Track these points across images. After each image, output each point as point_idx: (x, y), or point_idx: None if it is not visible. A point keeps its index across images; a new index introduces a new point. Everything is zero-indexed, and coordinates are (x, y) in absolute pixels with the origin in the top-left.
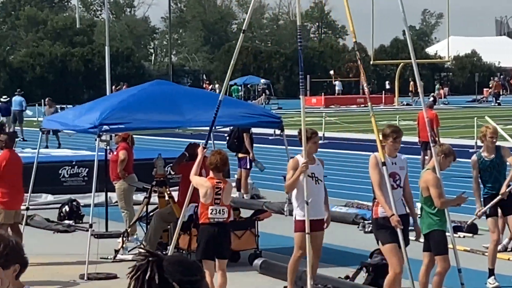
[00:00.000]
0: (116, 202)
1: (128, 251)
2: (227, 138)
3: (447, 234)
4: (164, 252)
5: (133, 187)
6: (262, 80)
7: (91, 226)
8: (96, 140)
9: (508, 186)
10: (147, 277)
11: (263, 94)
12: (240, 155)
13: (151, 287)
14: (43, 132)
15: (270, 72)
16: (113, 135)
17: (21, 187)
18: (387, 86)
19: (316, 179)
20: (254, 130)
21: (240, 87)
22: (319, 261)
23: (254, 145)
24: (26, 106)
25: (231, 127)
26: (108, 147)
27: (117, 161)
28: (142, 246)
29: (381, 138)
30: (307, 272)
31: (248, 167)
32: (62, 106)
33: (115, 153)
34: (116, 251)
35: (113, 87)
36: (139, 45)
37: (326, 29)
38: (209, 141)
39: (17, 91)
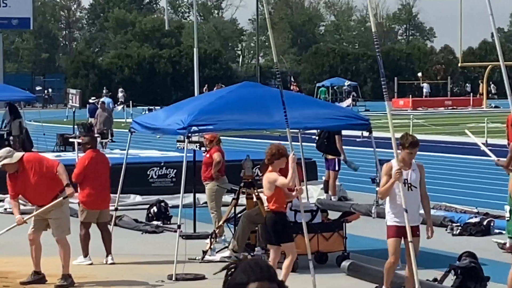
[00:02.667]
0: (204, 203)
1: (216, 252)
2: (317, 138)
3: None
4: (252, 254)
5: (224, 189)
6: (347, 82)
7: (179, 227)
8: (184, 141)
9: None
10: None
11: (351, 96)
12: (329, 156)
13: None
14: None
15: (357, 74)
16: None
17: (107, 187)
18: (468, 89)
19: (409, 185)
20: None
21: (327, 89)
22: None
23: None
24: (113, 108)
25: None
26: (200, 148)
27: (209, 163)
28: (231, 249)
29: None
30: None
31: (336, 169)
32: (150, 107)
33: (206, 155)
34: (204, 252)
35: (204, 88)
36: (227, 47)
37: (413, 31)
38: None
39: (104, 92)
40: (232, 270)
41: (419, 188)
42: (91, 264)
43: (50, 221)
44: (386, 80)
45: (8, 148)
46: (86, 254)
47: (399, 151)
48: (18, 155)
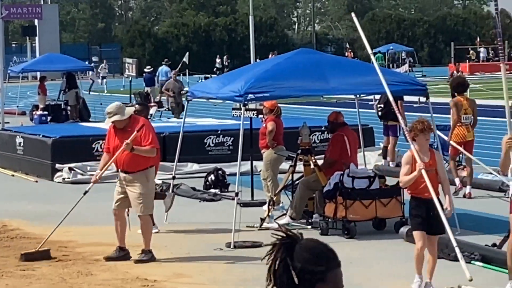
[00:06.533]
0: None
1: (274, 220)
2: (381, 106)
3: None
4: (310, 221)
5: (282, 157)
6: (391, 47)
7: (237, 194)
8: (240, 109)
9: None
10: (273, 259)
11: (407, 62)
12: (390, 122)
13: (275, 269)
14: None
15: (413, 39)
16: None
17: (158, 157)
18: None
19: None
20: None
21: (383, 55)
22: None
23: None
24: (171, 76)
25: (379, 96)
26: (257, 116)
27: (264, 132)
28: (283, 224)
29: None
30: None
31: (398, 134)
32: (207, 75)
33: (263, 124)
34: (262, 220)
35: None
36: (282, 14)
37: None
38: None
39: (164, 61)
40: (286, 251)
41: None
42: (157, 232)
43: (133, 196)
44: (501, 40)
45: (118, 103)
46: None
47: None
48: (129, 111)
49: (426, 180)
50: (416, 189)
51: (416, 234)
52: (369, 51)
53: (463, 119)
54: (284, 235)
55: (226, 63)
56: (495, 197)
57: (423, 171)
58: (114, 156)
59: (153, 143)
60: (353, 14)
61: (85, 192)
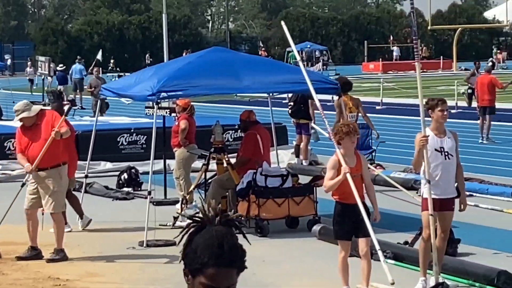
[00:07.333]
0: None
1: (187, 218)
2: (291, 104)
3: None
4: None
5: (195, 155)
6: (308, 47)
7: (149, 193)
8: (153, 107)
9: None
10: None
11: (320, 61)
12: (302, 121)
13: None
14: (98, 100)
15: (327, 38)
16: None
17: (75, 155)
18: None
19: (446, 153)
20: None
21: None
22: (389, 231)
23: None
24: (85, 75)
25: (292, 94)
26: (170, 114)
27: (177, 130)
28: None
29: None
30: (433, 257)
31: (309, 133)
32: (120, 74)
33: (176, 123)
34: (175, 218)
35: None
36: (196, 12)
37: None
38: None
39: (77, 59)
40: (195, 230)
41: (455, 157)
42: (70, 231)
43: (45, 193)
44: (417, 39)
45: (25, 101)
46: (65, 222)
47: (427, 118)
48: (36, 108)
49: (351, 185)
50: (343, 194)
51: (341, 243)
52: (298, 57)
53: (348, 118)
54: (201, 215)
55: (149, 61)
56: (405, 195)
57: (348, 176)
58: (44, 147)
59: (65, 125)
60: (282, 23)
61: (23, 184)
